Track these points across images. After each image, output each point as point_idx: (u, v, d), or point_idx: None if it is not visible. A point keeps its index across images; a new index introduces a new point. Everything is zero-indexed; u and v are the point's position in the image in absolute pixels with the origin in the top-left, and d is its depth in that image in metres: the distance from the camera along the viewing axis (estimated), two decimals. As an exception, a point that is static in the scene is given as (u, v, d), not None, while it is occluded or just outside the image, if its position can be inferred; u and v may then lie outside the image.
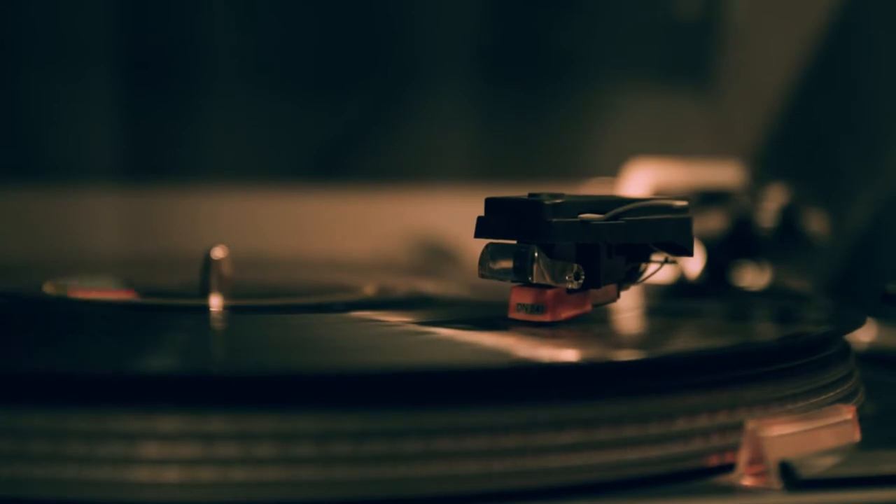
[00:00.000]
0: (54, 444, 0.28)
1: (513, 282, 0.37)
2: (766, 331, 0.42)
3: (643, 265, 0.39)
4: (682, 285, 0.54)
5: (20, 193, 0.68)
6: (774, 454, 0.31)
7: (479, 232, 0.37)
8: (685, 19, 0.74)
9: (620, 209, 0.37)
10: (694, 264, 0.55)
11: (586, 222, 0.36)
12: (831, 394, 0.35)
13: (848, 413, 0.33)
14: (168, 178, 0.70)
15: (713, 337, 0.38)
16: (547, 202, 0.36)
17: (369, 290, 0.47)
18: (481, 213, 0.37)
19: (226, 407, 0.28)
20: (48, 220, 0.69)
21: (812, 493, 0.30)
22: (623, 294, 0.39)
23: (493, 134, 0.74)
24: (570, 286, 0.36)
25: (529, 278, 0.36)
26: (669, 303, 0.48)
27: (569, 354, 0.33)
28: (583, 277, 0.37)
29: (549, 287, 0.36)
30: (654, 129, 0.75)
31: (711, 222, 0.56)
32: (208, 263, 0.44)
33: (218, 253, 0.44)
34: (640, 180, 0.60)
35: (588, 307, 0.37)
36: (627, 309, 0.42)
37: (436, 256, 0.69)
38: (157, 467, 0.28)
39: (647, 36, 0.75)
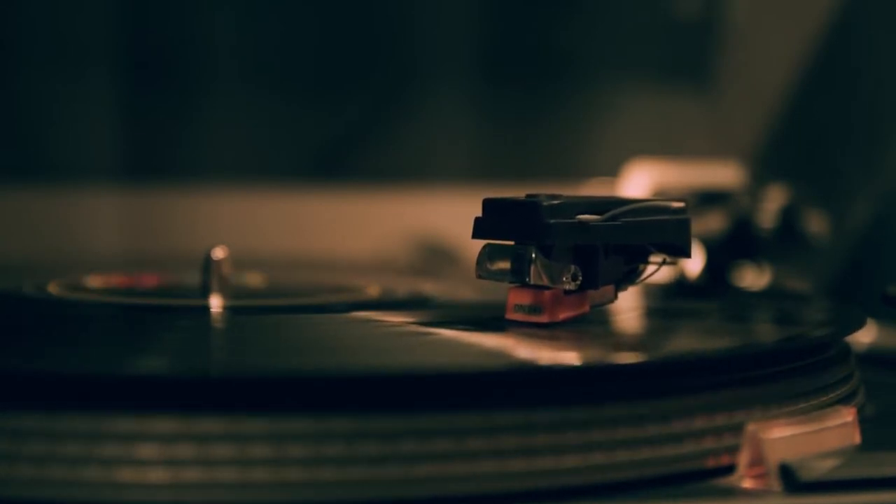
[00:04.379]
0: (51, 445, 0.28)
1: (510, 283, 0.37)
2: (766, 332, 0.42)
3: (641, 266, 0.39)
4: (681, 286, 0.54)
5: (20, 193, 0.68)
6: (775, 456, 0.30)
7: (477, 233, 0.37)
8: (685, 19, 0.74)
9: (618, 210, 0.36)
10: (694, 265, 0.55)
11: (584, 223, 0.36)
12: (831, 395, 0.35)
13: (848, 415, 0.33)
14: (168, 178, 0.70)
15: (713, 338, 0.38)
16: (545, 203, 0.35)
17: (370, 290, 0.47)
18: (480, 213, 0.37)
19: (253, 410, 0.28)
20: (48, 220, 0.69)
21: (812, 495, 0.30)
22: (621, 295, 0.39)
23: (493, 134, 0.74)
24: (567, 287, 0.36)
25: (527, 279, 0.36)
26: (669, 304, 0.47)
27: (568, 356, 0.33)
28: (580, 278, 0.36)
29: (547, 288, 0.36)
30: (654, 129, 0.75)
31: (711, 223, 0.56)
32: (208, 263, 0.44)
33: (218, 253, 0.44)
34: (639, 181, 0.60)
35: (586, 308, 0.37)
36: (626, 310, 0.42)
37: (436, 256, 0.69)
38: (173, 469, 0.28)
39: (647, 36, 0.75)
